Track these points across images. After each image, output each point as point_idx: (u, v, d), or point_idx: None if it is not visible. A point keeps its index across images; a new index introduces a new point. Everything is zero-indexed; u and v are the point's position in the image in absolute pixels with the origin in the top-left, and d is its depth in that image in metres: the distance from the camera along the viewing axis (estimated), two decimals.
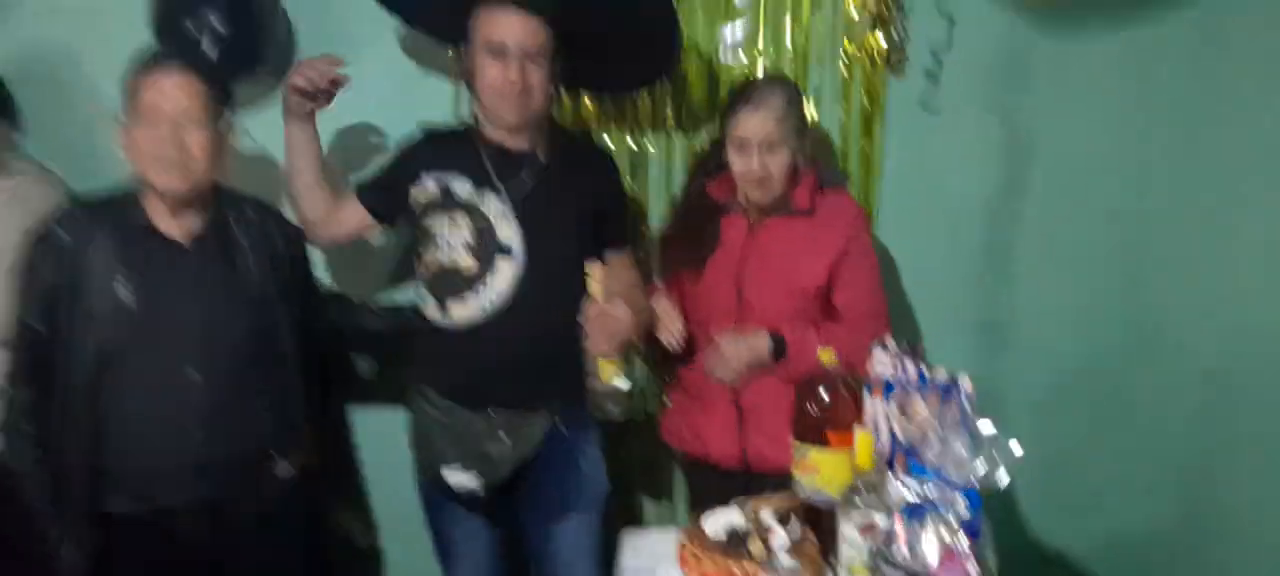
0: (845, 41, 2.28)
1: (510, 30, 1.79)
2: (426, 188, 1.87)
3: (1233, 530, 2.29)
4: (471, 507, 1.93)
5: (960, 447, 1.44)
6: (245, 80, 2.01)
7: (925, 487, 1.43)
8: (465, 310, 1.84)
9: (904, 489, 1.44)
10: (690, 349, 1.99)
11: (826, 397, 1.59)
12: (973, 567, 1.34)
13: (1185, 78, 2.34)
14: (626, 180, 2.26)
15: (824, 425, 1.57)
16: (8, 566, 1.70)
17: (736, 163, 1.88)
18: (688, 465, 2.16)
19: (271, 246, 1.74)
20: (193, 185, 1.63)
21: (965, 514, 1.40)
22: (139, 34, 1.90)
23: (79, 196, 1.86)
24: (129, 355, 1.60)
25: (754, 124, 1.84)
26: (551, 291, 1.84)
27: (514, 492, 1.93)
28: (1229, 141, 2.28)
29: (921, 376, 1.57)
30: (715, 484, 1.93)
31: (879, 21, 2.26)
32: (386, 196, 1.93)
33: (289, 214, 1.92)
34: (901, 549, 1.38)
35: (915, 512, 1.42)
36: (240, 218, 1.73)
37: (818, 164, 2.01)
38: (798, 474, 1.59)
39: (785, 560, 1.46)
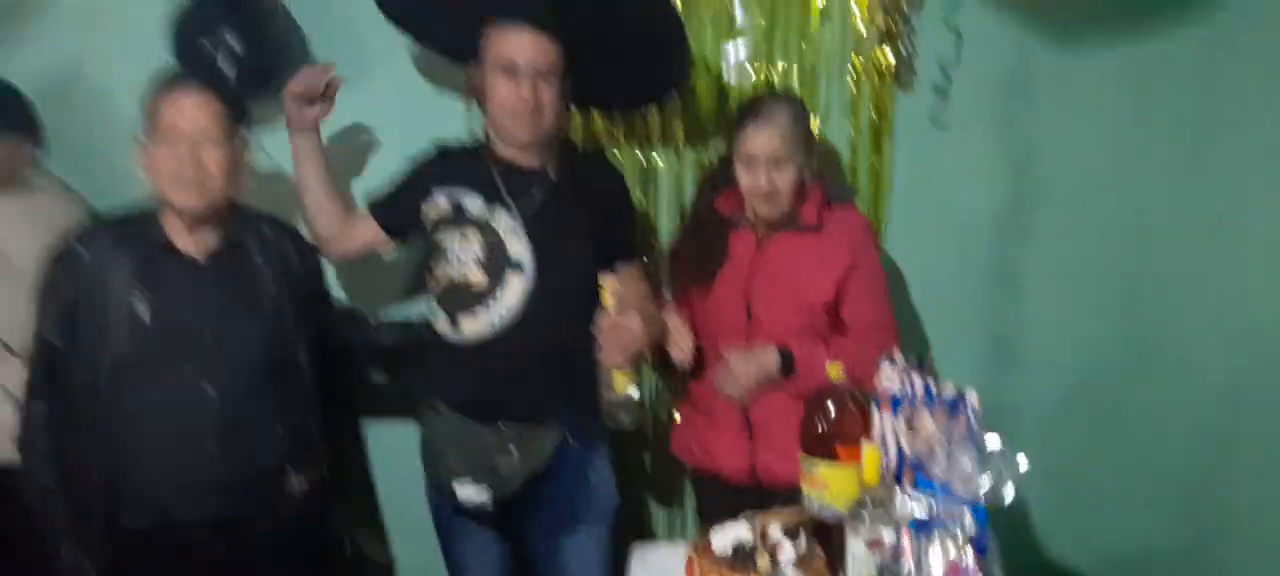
0: (853, 57, 2.29)
1: (522, 49, 1.82)
2: (438, 203, 1.90)
3: (1238, 545, 2.28)
4: (482, 521, 1.94)
5: (967, 462, 1.44)
6: (262, 99, 2.04)
7: (932, 502, 1.43)
8: (476, 325, 1.86)
9: (911, 504, 1.45)
10: (699, 364, 2.00)
11: (834, 412, 1.60)
12: None
13: (1191, 94, 2.34)
14: (637, 195, 2.28)
15: (832, 440, 1.58)
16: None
17: (744, 178, 1.89)
18: (697, 479, 2.16)
19: (287, 263, 1.76)
20: (210, 203, 1.66)
21: (972, 529, 1.40)
22: (160, 54, 1.94)
23: (99, 214, 1.89)
24: (145, 371, 1.63)
25: (761, 140, 1.86)
26: (561, 306, 1.86)
27: (524, 506, 1.94)
28: (1234, 157, 2.28)
29: (928, 391, 1.58)
30: (724, 498, 1.94)
31: (887, 37, 2.27)
32: (398, 212, 1.95)
33: (304, 231, 1.94)
34: (908, 564, 1.39)
35: (922, 527, 1.43)
36: (257, 235, 1.75)
37: (825, 179, 2.02)
38: (806, 488, 1.60)
39: (792, 575, 1.47)
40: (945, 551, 1.39)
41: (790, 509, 1.61)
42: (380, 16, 1.99)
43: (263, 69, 2.04)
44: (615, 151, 2.31)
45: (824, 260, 1.91)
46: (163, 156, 1.62)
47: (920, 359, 1.68)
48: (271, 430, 1.72)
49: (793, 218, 1.93)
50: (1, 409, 1.80)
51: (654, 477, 2.45)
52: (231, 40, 1.97)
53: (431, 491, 2.00)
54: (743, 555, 1.51)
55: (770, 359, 1.90)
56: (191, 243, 1.69)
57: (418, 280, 2.20)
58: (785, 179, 1.87)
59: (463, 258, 1.86)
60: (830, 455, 1.57)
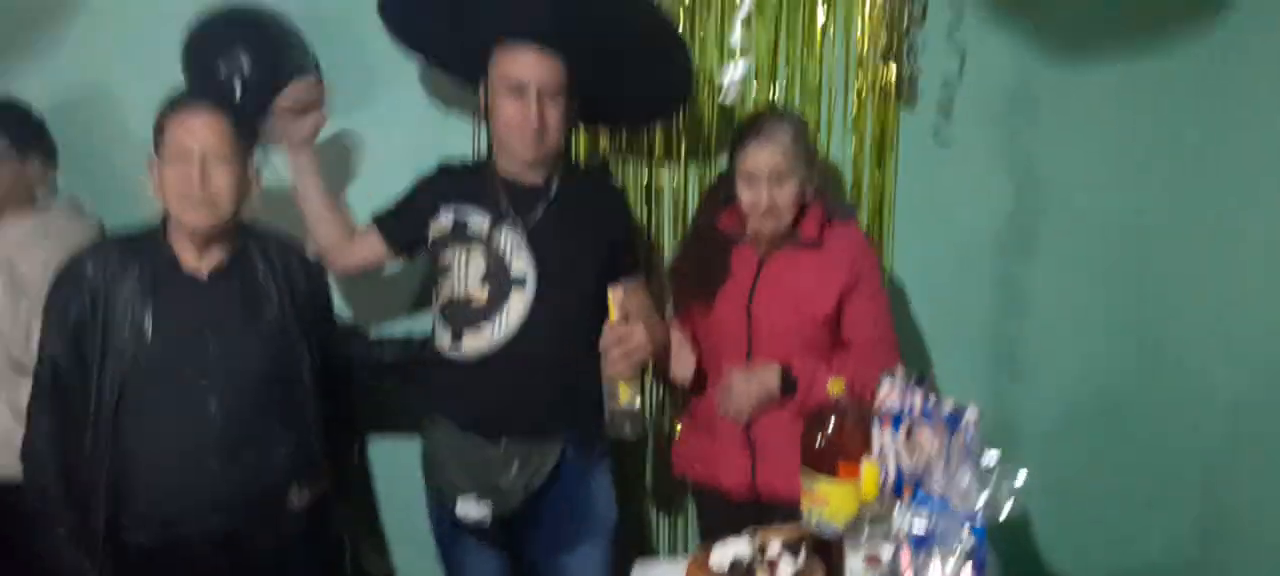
0: (857, 74, 2.31)
1: (528, 68, 1.84)
2: (442, 220, 1.92)
3: (1240, 559, 2.26)
4: (482, 536, 1.95)
5: (966, 478, 1.45)
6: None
7: (931, 518, 1.44)
8: (478, 341, 1.87)
9: (909, 519, 1.45)
10: (701, 379, 2.01)
11: (835, 428, 1.61)
12: None
13: (1191, 109, 2.35)
14: (640, 211, 2.31)
15: (833, 456, 1.58)
16: None
17: (745, 195, 1.90)
18: (698, 494, 2.17)
19: (292, 281, 1.78)
20: (218, 222, 1.68)
21: (970, 544, 1.41)
22: (173, 73, 1.97)
23: (110, 231, 1.92)
24: (148, 386, 1.64)
25: (762, 157, 1.87)
26: (563, 323, 1.87)
27: (524, 521, 1.95)
28: (1236, 170, 2.29)
29: (927, 407, 1.59)
30: (726, 513, 1.95)
31: (889, 55, 2.29)
32: (402, 227, 1.97)
33: (311, 249, 1.97)
34: None
35: (921, 543, 1.43)
36: (262, 252, 1.77)
37: (825, 195, 2.03)
38: (806, 504, 1.60)
39: None
40: (944, 567, 1.39)
41: (790, 525, 1.62)
42: (389, 37, 2.02)
43: (274, 89, 2.07)
44: (618, 167, 2.33)
45: (825, 276, 1.92)
46: (172, 175, 1.65)
47: (921, 375, 1.69)
48: (274, 445, 1.73)
49: (793, 234, 1.94)
50: (10, 426, 1.82)
51: (655, 492, 2.46)
52: (244, 61, 1.99)
53: (432, 506, 2.01)
54: (741, 571, 1.51)
55: (771, 378, 1.91)
56: (199, 261, 1.71)
57: (421, 295, 2.23)
58: (786, 195, 1.89)
59: (466, 274, 1.88)
60: (830, 471, 1.57)
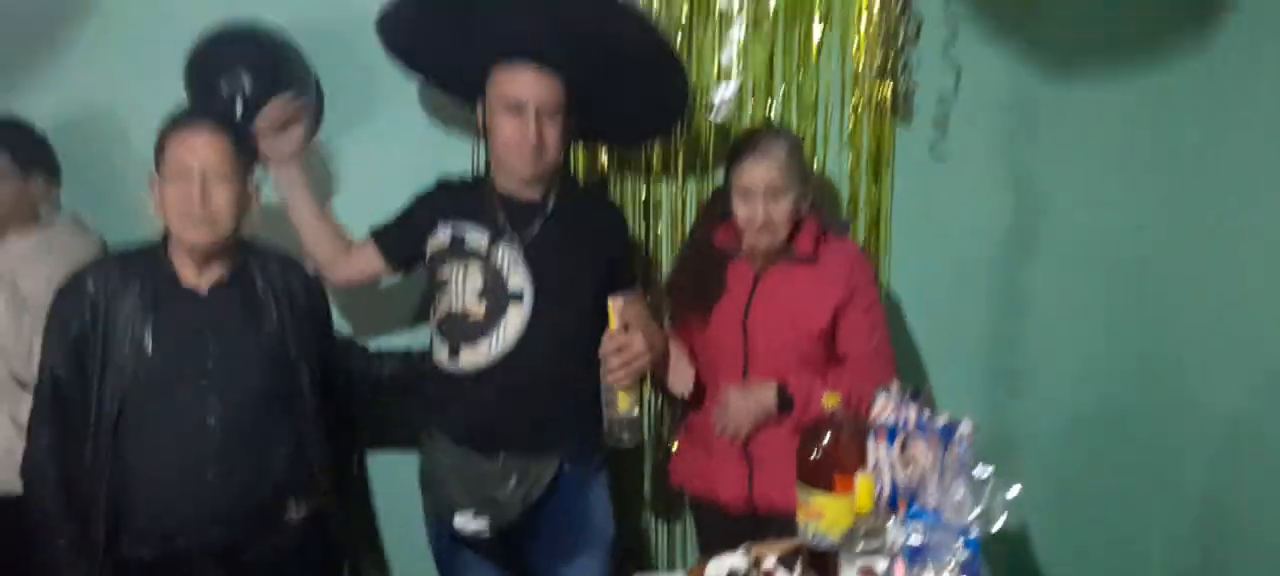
0: (853, 90, 2.32)
1: (527, 87, 1.86)
2: (440, 236, 1.93)
3: (1247, 565, 2.26)
4: (481, 550, 1.96)
5: (959, 491, 1.45)
6: None
7: (925, 531, 1.44)
8: (476, 356, 1.89)
9: (903, 532, 1.46)
10: (699, 393, 2.02)
11: (830, 442, 1.61)
12: None
13: (1191, 121, 2.36)
14: (638, 226, 2.32)
15: (828, 470, 1.59)
16: None
17: (741, 210, 1.92)
18: (697, 507, 2.17)
19: (292, 296, 1.79)
20: (218, 238, 1.69)
21: (964, 557, 1.41)
22: (176, 92, 1.99)
23: (112, 248, 1.94)
24: (149, 401, 1.65)
25: (758, 173, 1.89)
26: (560, 338, 1.89)
27: (522, 534, 1.96)
28: (1234, 182, 2.30)
29: (922, 421, 1.60)
30: (724, 526, 1.95)
31: (885, 71, 2.30)
32: (401, 242, 1.99)
33: (311, 265, 1.99)
34: None
35: (915, 555, 1.44)
36: (262, 268, 1.78)
37: (821, 211, 2.05)
38: (802, 517, 1.61)
39: None
40: None
41: (785, 539, 1.62)
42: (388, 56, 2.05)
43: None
44: (617, 183, 2.35)
45: (820, 291, 1.93)
46: (172, 193, 1.66)
47: (916, 389, 1.70)
48: (273, 458, 1.74)
49: (789, 249, 1.95)
50: (12, 440, 1.83)
51: (653, 506, 2.47)
52: (245, 79, 2.01)
53: (430, 519, 2.02)
54: None
55: (768, 396, 1.92)
56: (199, 277, 1.72)
57: (420, 310, 2.24)
58: (782, 211, 1.90)
59: (463, 289, 1.89)
60: (826, 485, 1.58)
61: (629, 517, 2.39)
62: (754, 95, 2.32)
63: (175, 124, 1.70)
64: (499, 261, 1.90)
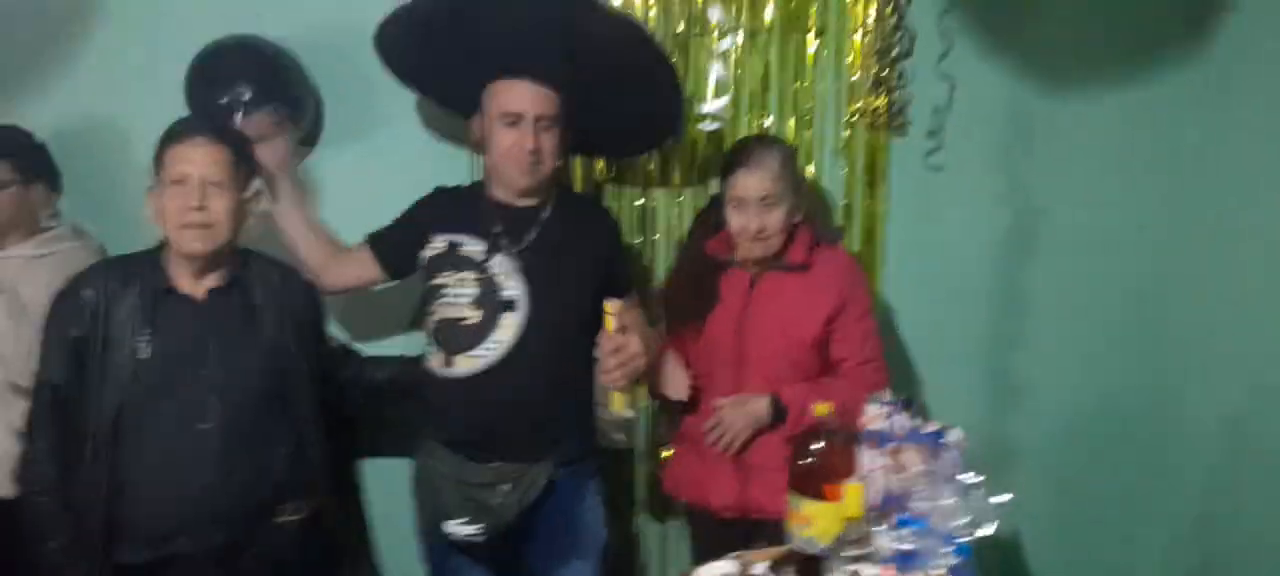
0: (847, 102, 2.34)
1: (524, 100, 1.88)
2: (436, 243, 1.95)
3: (1247, 569, 2.25)
4: (473, 557, 1.97)
5: (948, 499, 1.46)
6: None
7: (914, 537, 1.45)
8: (470, 362, 1.90)
9: (893, 539, 1.47)
10: (693, 400, 2.03)
11: (822, 450, 1.62)
12: None
13: (1185, 132, 2.38)
14: (634, 235, 2.34)
15: (819, 477, 1.60)
16: None
17: (734, 220, 1.93)
18: (690, 513, 2.18)
19: (288, 302, 1.81)
20: (216, 247, 1.71)
21: (952, 563, 1.42)
22: (178, 102, 2.00)
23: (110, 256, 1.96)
24: (146, 407, 1.67)
25: (751, 183, 1.90)
26: (554, 345, 1.90)
27: (514, 539, 1.97)
28: (1230, 191, 2.31)
29: (912, 429, 1.60)
30: (717, 532, 1.97)
31: (880, 83, 2.32)
32: (396, 249, 2.01)
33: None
34: None
35: (904, 562, 1.45)
36: (259, 275, 1.80)
37: (814, 220, 2.06)
38: (792, 525, 1.61)
39: None
40: None
41: (775, 546, 1.63)
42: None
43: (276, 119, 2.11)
44: (613, 192, 2.36)
45: (813, 299, 1.94)
46: (171, 202, 1.68)
47: (908, 398, 1.71)
48: (269, 462, 1.75)
49: (782, 258, 1.97)
50: (9, 448, 1.84)
51: (647, 513, 2.47)
52: (244, 91, 2.04)
53: (423, 526, 2.03)
54: None
55: (761, 407, 1.93)
56: (196, 285, 1.74)
57: (415, 315, 2.25)
58: (775, 220, 1.92)
59: (458, 297, 1.91)
60: (817, 492, 1.59)
61: (622, 523, 2.40)
62: (750, 107, 2.33)
63: (174, 134, 1.72)
64: (494, 269, 1.91)
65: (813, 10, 2.30)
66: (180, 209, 1.68)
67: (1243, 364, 2.26)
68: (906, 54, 2.27)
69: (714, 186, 2.21)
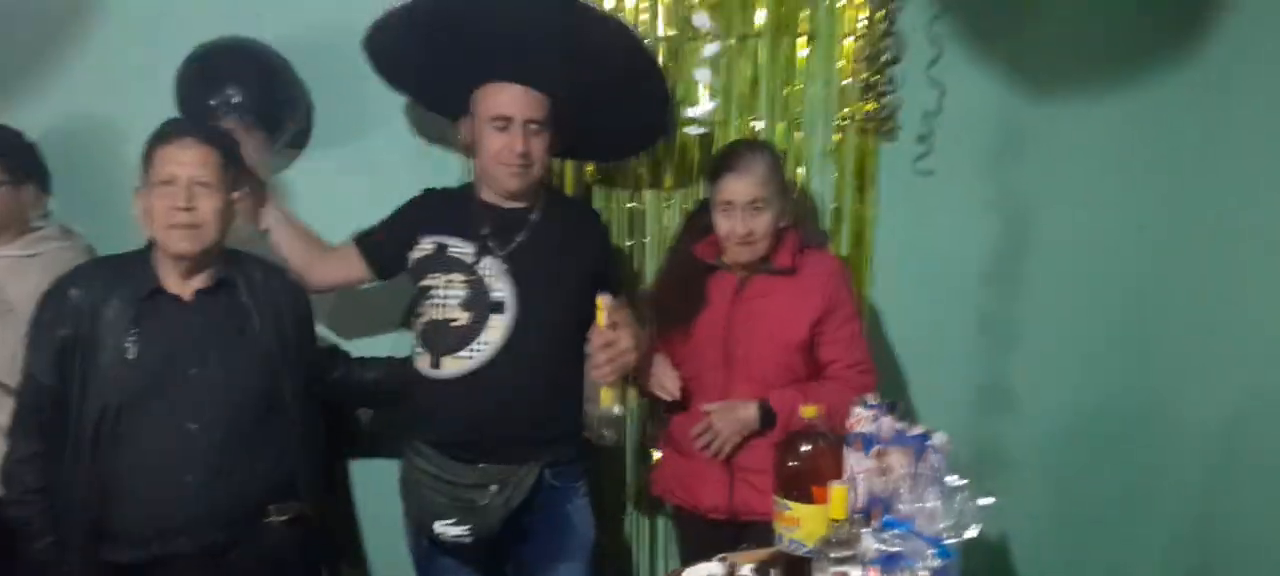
0: (837, 108, 2.35)
1: (514, 104, 1.90)
2: (424, 244, 1.96)
3: (1247, 571, 2.26)
4: (461, 557, 1.97)
5: (932, 501, 1.47)
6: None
7: (898, 540, 1.45)
8: (458, 364, 1.91)
9: (877, 541, 1.47)
10: (682, 402, 2.03)
11: (809, 452, 1.63)
12: None
13: (1182, 133, 2.38)
14: (623, 237, 2.35)
15: (806, 480, 1.60)
16: None
17: (722, 224, 1.94)
18: (678, 515, 2.19)
19: (276, 303, 1.81)
20: (203, 249, 1.72)
21: (935, 565, 1.42)
22: (168, 102, 2.02)
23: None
24: (132, 407, 1.67)
25: (739, 187, 1.91)
26: (542, 347, 1.91)
27: (502, 541, 1.97)
28: (1220, 197, 2.32)
29: (897, 432, 1.61)
30: (705, 534, 1.97)
31: (870, 88, 2.33)
32: (384, 249, 2.02)
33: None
34: None
35: (888, 564, 1.45)
36: (246, 276, 1.80)
37: (801, 224, 2.07)
38: (779, 526, 1.62)
39: None
40: None
41: (761, 548, 1.64)
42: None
43: (266, 121, 2.12)
44: (603, 194, 2.37)
45: (799, 302, 1.95)
46: (159, 203, 1.69)
47: (893, 401, 1.71)
48: (256, 464, 1.75)
49: (769, 262, 1.97)
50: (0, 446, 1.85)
51: (635, 515, 2.47)
52: (233, 93, 2.04)
53: (411, 526, 2.03)
54: None
55: (750, 413, 1.93)
56: (183, 285, 1.74)
57: (404, 316, 2.25)
58: (762, 224, 1.92)
59: (447, 298, 1.92)
60: (804, 494, 1.59)
61: (610, 525, 2.39)
62: (740, 112, 2.34)
63: (163, 135, 1.73)
64: (482, 271, 1.92)
65: (803, 15, 2.31)
66: (168, 209, 1.68)
67: (1240, 365, 2.27)
68: (896, 59, 2.28)
69: (703, 190, 2.22)
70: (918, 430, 1.60)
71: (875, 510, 1.58)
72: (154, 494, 1.68)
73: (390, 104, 2.21)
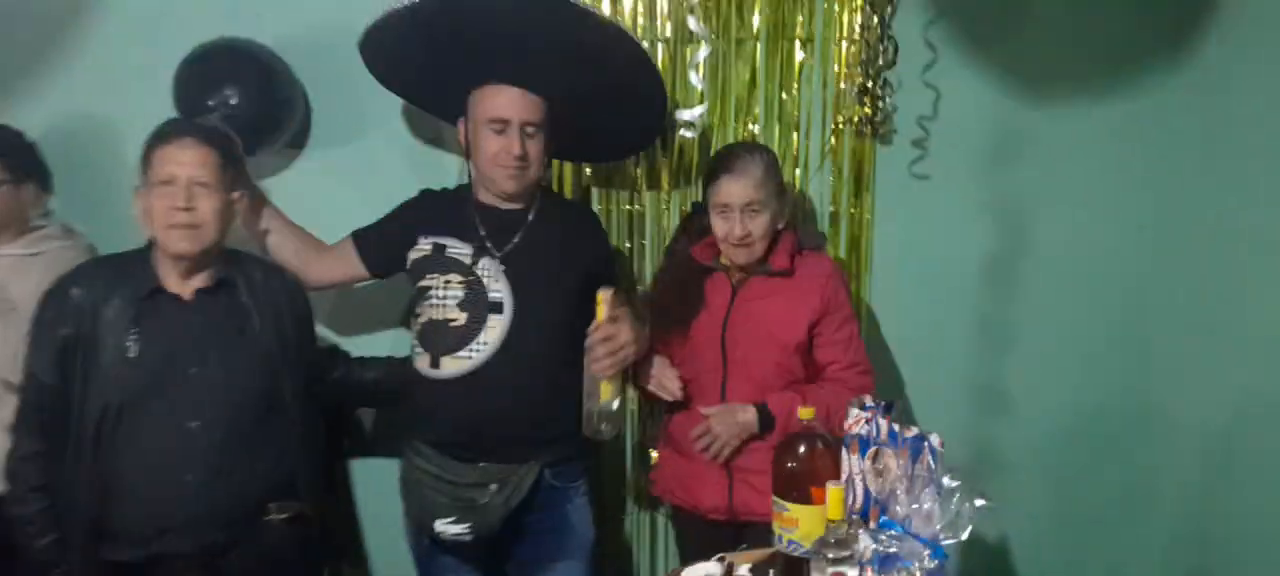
0: (834, 112, 2.36)
1: (511, 106, 1.91)
2: (422, 245, 1.97)
3: (1247, 572, 2.28)
4: (461, 556, 1.98)
5: (927, 502, 1.48)
6: (262, 150, 2.13)
7: (893, 540, 1.47)
8: (457, 364, 1.91)
9: (873, 541, 1.48)
10: (681, 402, 2.04)
11: (806, 453, 1.64)
12: None
13: (1179, 138, 2.40)
14: (622, 239, 2.36)
15: (804, 480, 1.62)
16: None
17: (719, 227, 1.96)
18: (677, 515, 2.20)
19: (275, 303, 1.82)
20: (203, 248, 1.73)
21: (930, 565, 1.44)
22: (168, 102, 2.02)
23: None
24: (133, 406, 1.68)
25: (736, 190, 1.92)
26: (540, 346, 1.92)
27: (502, 540, 1.98)
28: (1216, 203, 2.34)
29: (892, 433, 1.62)
30: (704, 534, 1.98)
31: (866, 92, 2.35)
32: (380, 248, 2.03)
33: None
34: None
35: (883, 564, 1.46)
36: (246, 275, 1.81)
37: (797, 226, 2.09)
38: (777, 527, 1.63)
39: None
40: None
41: (759, 548, 1.65)
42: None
43: (264, 122, 2.13)
44: (602, 196, 2.38)
45: (796, 303, 1.96)
46: (158, 203, 1.70)
47: (889, 402, 1.73)
48: (256, 462, 1.76)
49: (765, 263, 1.99)
50: (5, 444, 1.85)
51: (634, 515, 2.49)
52: (231, 94, 2.05)
53: (411, 525, 2.04)
54: None
55: (749, 417, 1.95)
56: (183, 284, 1.75)
57: (404, 315, 2.26)
58: (759, 226, 1.94)
59: (445, 299, 1.93)
60: (801, 495, 1.61)
61: (609, 524, 2.41)
62: (737, 116, 2.35)
63: (163, 135, 1.74)
64: (480, 272, 1.93)
65: (799, 19, 2.33)
66: (167, 209, 1.69)
67: (1239, 365, 2.28)
68: (892, 63, 2.29)
69: (700, 192, 2.23)
70: (912, 431, 1.61)
71: (872, 510, 1.59)
72: (154, 492, 1.69)
73: (388, 105, 2.22)
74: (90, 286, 1.71)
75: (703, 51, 2.19)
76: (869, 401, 1.70)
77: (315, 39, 2.18)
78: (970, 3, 2.32)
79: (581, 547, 2.02)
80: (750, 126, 2.36)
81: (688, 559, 1.84)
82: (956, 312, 2.47)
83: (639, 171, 2.37)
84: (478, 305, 1.91)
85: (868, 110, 2.34)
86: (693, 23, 2.18)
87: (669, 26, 2.30)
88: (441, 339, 1.93)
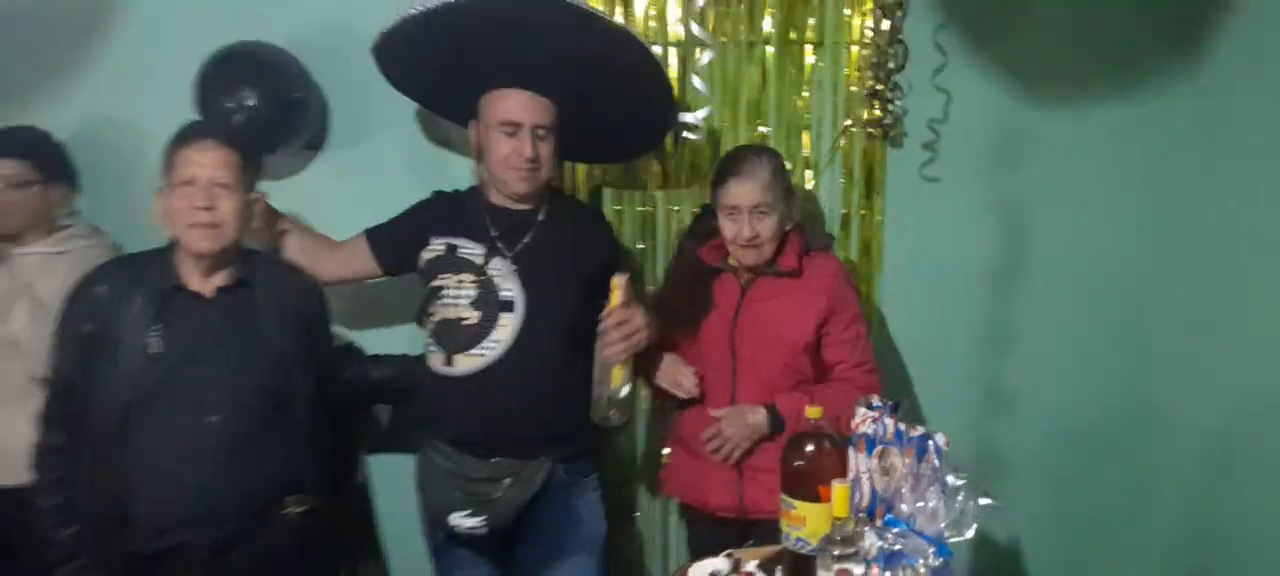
0: (844, 114, 2.38)
1: (522, 109, 1.94)
2: (434, 245, 2.00)
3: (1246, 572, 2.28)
4: (476, 551, 2.01)
5: (932, 501, 1.49)
6: (280, 151, 2.17)
7: (898, 538, 1.49)
8: (470, 362, 1.94)
9: (878, 539, 1.50)
10: (691, 400, 2.06)
11: (814, 452, 1.66)
12: None
13: (1187, 139, 2.40)
14: (634, 240, 2.39)
15: (810, 479, 1.63)
16: None
17: (727, 228, 1.98)
18: (688, 513, 2.22)
19: (292, 302, 1.86)
20: (223, 247, 1.76)
21: (935, 563, 1.45)
22: (188, 107, 2.07)
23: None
24: (153, 402, 1.71)
25: (743, 192, 1.94)
26: (551, 344, 1.95)
27: (515, 535, 2.01)
28: (1221, 207, 2.33)
29: (898, 432, 1.64)
30: (714, 531, 2.01)
31: (876, 95, 2.36)
32: (393, 246, 2.06)
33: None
34: None
35: (889, 562, 1.48)
36: (263, 274, 1.85)
37: (804, 227, 2.10)
38: (785, 525, 1.65)
39: None
40: None
41: (768, 545, 1.67)
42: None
43: (281, 124, 2.17)
44: (614, 197, 2.41)
45: (804, 304, 1.98)
46: (179, 203, 1.73)
47: (897, 402, 1.74)
48: (272, 458, 1.79)
49: (774, 264, 2.01)
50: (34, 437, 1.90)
51: (644, 511, 2.51)
52: (249, 96, 2.09)
53: (426, 521, 2.07)
54: None
55: (759, 419, 1.97)
56: (202, 282, 1.79)
57: (418, 313, 2.30)
58: (767, 228, 1.96)
59: (457, 298, 1.96)
60: (809, 493, 1.62)
61: (620, 520, 2.43)
62: (748, 119, 2.37)
63: (184, 137, 1.78)
64: (492, 272, 1.96)
65: (810, 23, 2.34)
66: (188, 209, 1.73)
67: (1239, 366, 2.27)
68: (902, 67, 2.31)
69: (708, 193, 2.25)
70: (918, 430, 1.63)
71: (879, 509, 1.61)
72: (172, 486, 1.72)
73: (399, 107, 2.26)
74: (113, 284, 1.75)
75: (706, 56, 2.21)
76: (876, 400, 1.72)
77: (330, 42, 2.22)
78: (977, 6, 2.34)
79: (592, 542, 2.05)
80: (761, 129, 2.38)
81: (697, 555, 1.86)
82: (963, 313, 2.48)
83: (652, 172, 2.39)
84: (490, 304, 1.94)
85: (878, 113, 2.36)
86: (696, 28, 2.20)
87: (681, 29, 2.33)
88: (455, 337, 1.95)
